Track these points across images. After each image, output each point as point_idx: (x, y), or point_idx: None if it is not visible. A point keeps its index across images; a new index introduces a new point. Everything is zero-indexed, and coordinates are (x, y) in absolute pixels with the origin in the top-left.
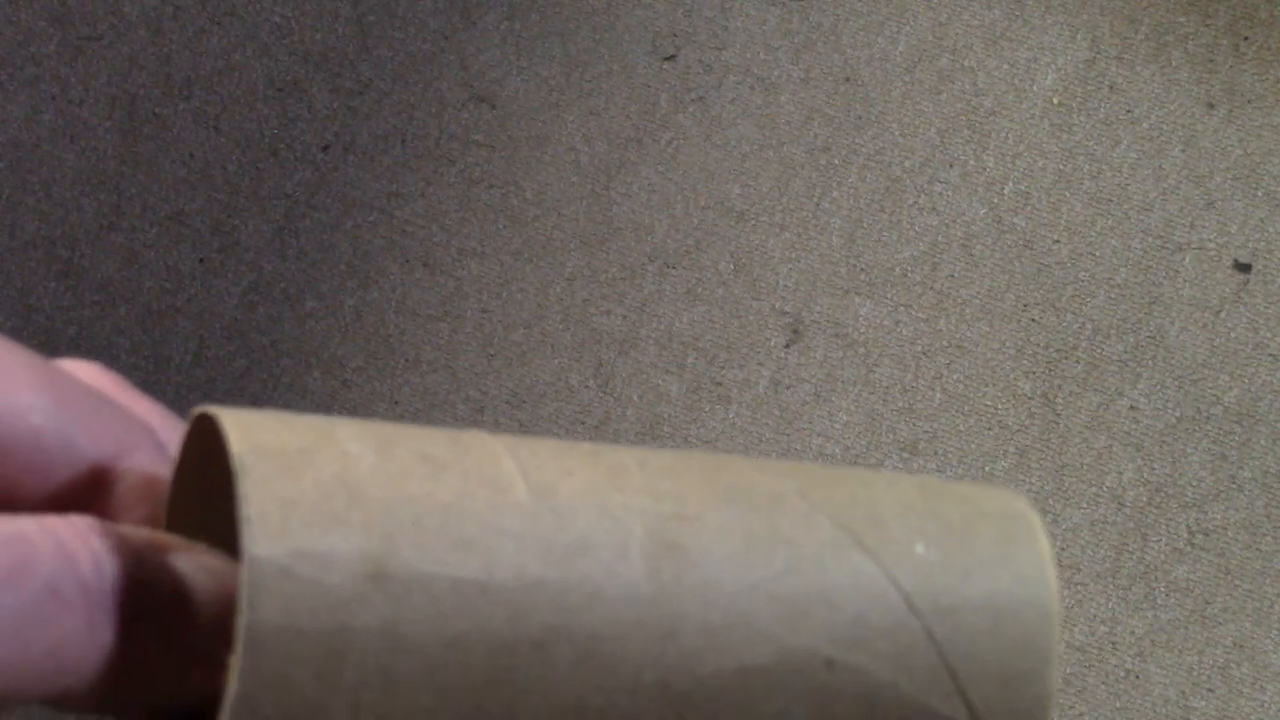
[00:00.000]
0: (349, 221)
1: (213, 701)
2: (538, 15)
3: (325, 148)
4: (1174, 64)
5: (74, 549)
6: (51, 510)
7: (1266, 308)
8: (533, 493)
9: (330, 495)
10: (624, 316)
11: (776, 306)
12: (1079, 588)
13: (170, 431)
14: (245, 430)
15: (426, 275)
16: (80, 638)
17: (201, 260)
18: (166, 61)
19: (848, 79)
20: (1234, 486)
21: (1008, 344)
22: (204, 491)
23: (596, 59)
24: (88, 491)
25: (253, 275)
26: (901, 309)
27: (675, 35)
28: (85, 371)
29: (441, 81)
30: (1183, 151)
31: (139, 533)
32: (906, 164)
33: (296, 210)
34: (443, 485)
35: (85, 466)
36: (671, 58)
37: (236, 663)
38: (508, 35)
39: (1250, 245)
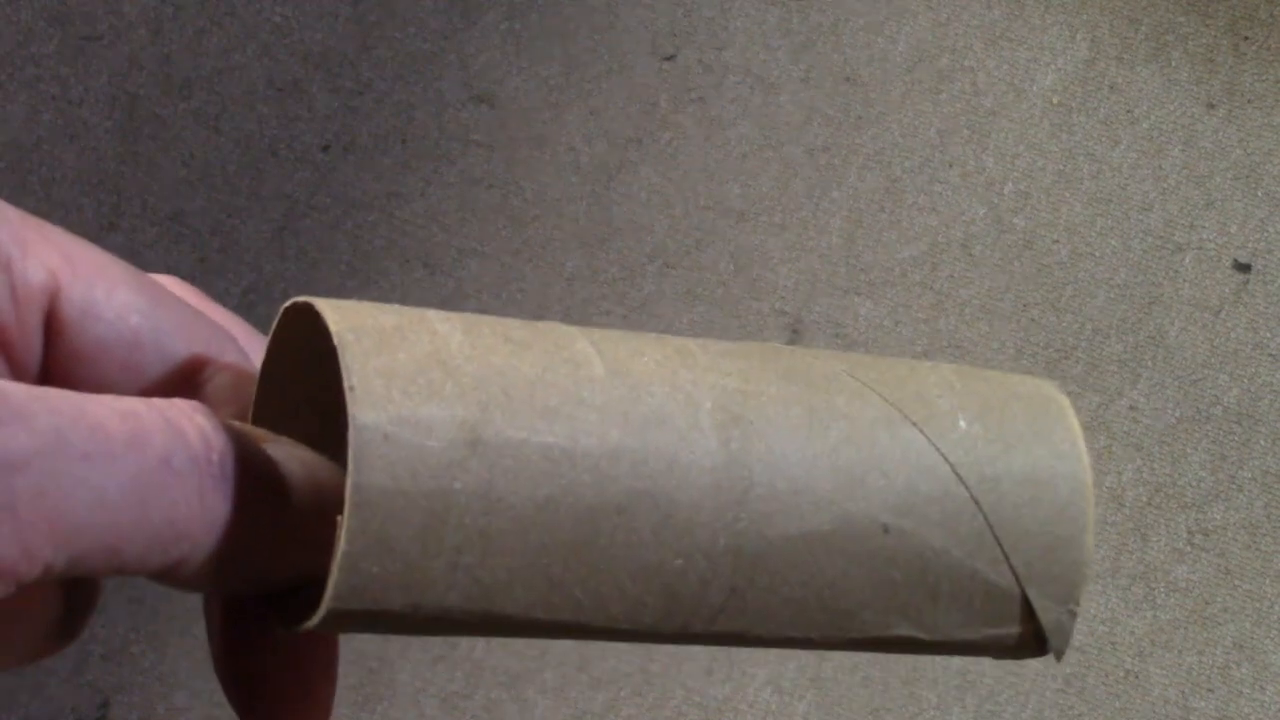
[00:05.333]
0: (349, 221)
1: (302, 586)
2: (538, 15)
3: (325, 148)
4: (1174, 64)
5: (182, 425)
6: None
7: (1266, 308)
8: (609, 369)
9: (425, 368)
10: (624, 316)
11: (776, 306)
12: None
13: (250, 339)
14: (341, 312)
15: (426, 275)
16: (194, 508)
17: (201, 260)
18: (166, 61)
19: (848, 79)
20: (1234, 486)
21: (1008, 344)
22: (287, 392)
23: (596, 59)
24: (178, 391)
25: (253, 275)
26: (901, 309)
27: (675, 35)
28: (167, 282)
29: (441, 81)
30: (1183, 151)
31: (233, 423)
32: (906, 164)
33: (296, 210)
34: (527, 361)
35: (177, 366)
36: (671, 58)
37: (344, 522)
38: (508, 35)
39: (1250, 245)
